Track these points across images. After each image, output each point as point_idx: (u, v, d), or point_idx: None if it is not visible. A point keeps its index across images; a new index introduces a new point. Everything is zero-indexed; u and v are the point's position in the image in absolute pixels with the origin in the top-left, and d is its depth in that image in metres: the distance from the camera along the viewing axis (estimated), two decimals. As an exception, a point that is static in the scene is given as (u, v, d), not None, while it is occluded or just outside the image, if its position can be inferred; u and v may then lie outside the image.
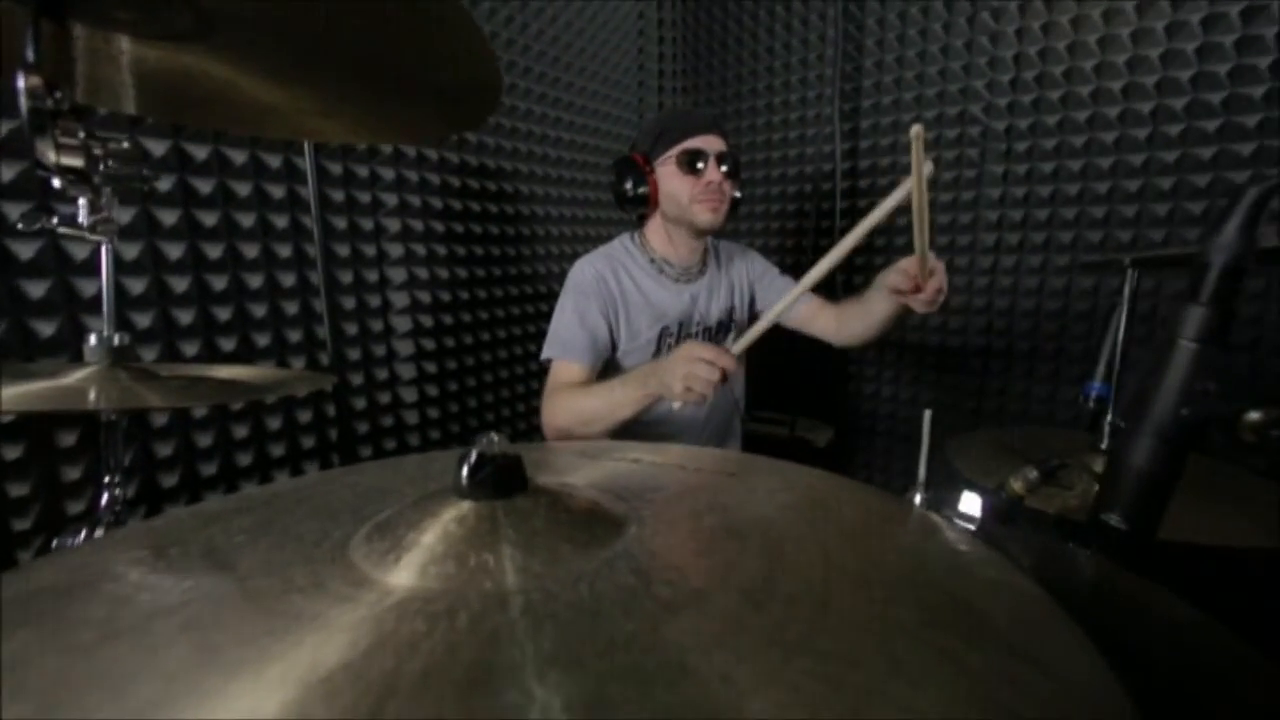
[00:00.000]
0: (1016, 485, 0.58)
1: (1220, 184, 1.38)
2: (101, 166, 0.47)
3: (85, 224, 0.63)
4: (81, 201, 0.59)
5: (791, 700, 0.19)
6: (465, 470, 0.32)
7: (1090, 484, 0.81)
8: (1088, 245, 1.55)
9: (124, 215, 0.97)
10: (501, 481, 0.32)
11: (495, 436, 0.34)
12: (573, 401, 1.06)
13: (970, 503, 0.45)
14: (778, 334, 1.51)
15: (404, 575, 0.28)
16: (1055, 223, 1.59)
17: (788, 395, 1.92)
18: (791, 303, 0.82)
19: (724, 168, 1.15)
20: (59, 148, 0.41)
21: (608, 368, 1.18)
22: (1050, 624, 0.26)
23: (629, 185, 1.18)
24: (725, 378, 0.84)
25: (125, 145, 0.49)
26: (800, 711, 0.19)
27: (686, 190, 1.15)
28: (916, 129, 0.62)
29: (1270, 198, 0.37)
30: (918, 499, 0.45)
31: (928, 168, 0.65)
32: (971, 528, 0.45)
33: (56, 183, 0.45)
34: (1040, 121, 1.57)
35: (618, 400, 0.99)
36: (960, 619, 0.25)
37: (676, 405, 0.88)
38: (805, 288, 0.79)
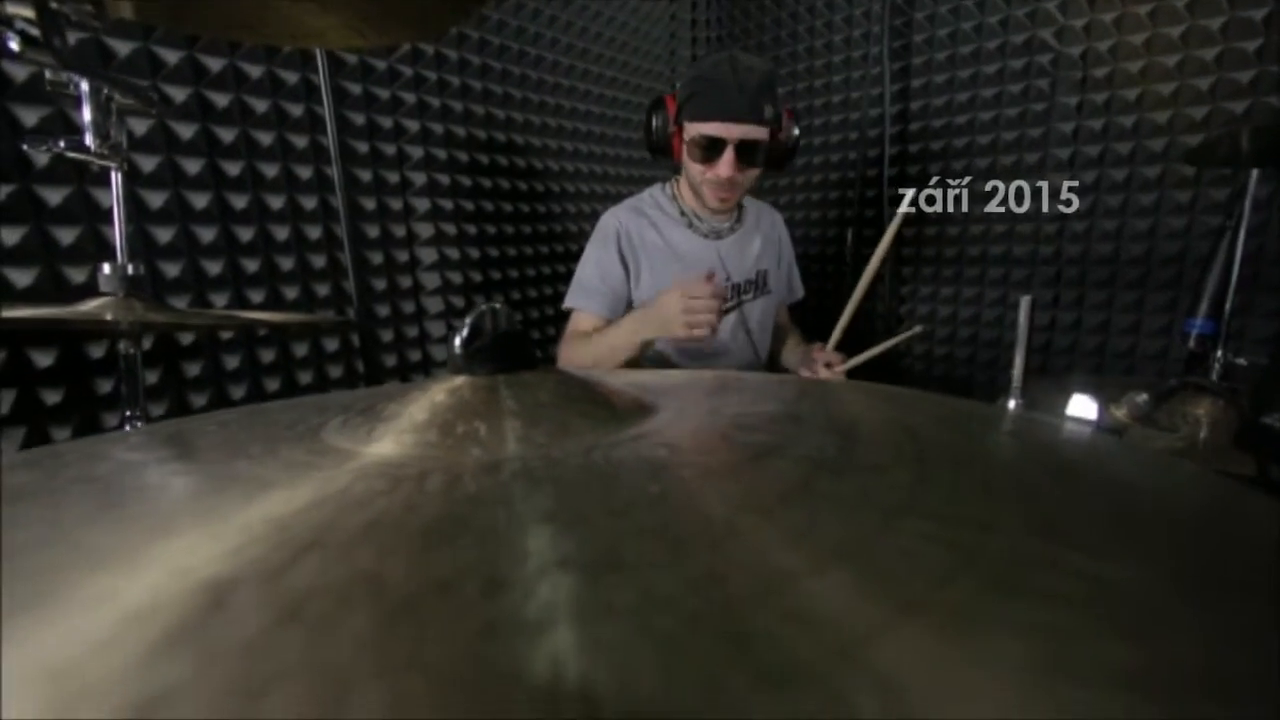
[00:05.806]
0: (1120, 413, 0.49)
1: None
2: (63, 30, 0.42)
3: (93, 148, 0.61)
4: (87, 118, 0.56)
5: (902, 564, 0.13)
6: (458, 341, 0.27)
7: (1197, 428, 0.70)
8: (1177, 180, 1.37)
9: (148, 163, 0.96)
10: (502, 352, 0.27)
11: (497, 305, 0.28)
12: (577, 350, 1.10)
13: (1083, 406, 0.37)
14: (809, 294, 1.42)
15: (377, 446, 0.22)
16: (1139, 157, 1.42)
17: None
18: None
19: (743, 158, 1.03)
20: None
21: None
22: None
23: (655, 133, 1.10)
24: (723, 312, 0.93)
25: (88, 6, 0.45)
26: (918, 576, 0.12)
27: (697, 172, 1.07)
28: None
29: None
30: (1012, 404, 0.36)
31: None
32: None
33: (14, 44, 0.41)
34: (1124, 42, 1.38)
35: (614, 344, 1.01)
36: (1138, 500, 0.18)
37: (681, 333, 0.91)
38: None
